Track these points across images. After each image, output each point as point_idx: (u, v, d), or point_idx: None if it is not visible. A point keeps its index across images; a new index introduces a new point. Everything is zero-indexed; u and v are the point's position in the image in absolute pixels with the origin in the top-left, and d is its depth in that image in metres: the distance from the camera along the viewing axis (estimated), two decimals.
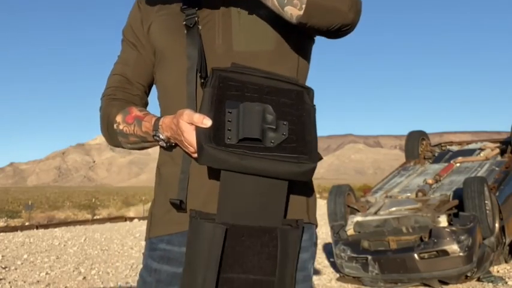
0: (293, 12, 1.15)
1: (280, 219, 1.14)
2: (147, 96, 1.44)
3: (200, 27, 1.26)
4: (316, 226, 1.33)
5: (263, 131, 1.09)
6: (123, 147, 1.38)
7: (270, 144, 1.09)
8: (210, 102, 1.14)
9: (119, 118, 1.32)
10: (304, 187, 1.27)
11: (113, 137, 1.36)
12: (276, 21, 1.23)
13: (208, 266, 1.09)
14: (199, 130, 1.11)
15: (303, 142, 1.12)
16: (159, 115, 1.33)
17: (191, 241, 1.12)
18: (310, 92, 1.22)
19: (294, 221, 1.17)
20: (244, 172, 1.09)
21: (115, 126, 1.33)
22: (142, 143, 1.32)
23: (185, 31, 1.26)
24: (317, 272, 6.75)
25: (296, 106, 1.17)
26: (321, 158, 1.29)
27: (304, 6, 1.14)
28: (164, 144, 1.27)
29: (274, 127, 1.10)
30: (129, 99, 1.38)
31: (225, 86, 1.16)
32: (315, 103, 1.23)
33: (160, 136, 1.24)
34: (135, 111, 1.31)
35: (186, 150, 1.21)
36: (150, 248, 1.29)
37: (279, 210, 1.14)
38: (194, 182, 1.24)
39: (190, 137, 1.14)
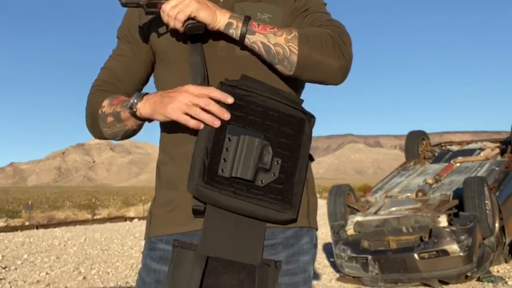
0: (283, 71, 1.22)
1: (258, 257, 1.17)
2: None
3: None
4: (317, 229, 1.33)
5: (256, 171, 1.12)
6: (103, 137, 1.34)
7: (259, 183, 1.13)
8: None
9: (105, 102, 1.30)
10: (305, 192, 1.26)
11: (95, 126, 1.32)
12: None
13: None
14: (199, 147, 1.12)
15: (290, 185, 1.16)
16: None
17: (172, 269, 1.15)
18: (311, 120, 1.23)
19: (272, 261, 1.18)
20: (228, 210, 1.14)
21: (100, 111, 1.30)
22: (117, 124, 1.27)
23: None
24: (317, 272, 6.75)
25: (294, 137, 1.18)
26: (312, 160, 1.29)
27: (293, 69, 1.20)
28: (128, 110, 1.21)
29: (268, 168, 1.13)
30: (116, 94, 1.35)
31: (230, 105, 1.16)
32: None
33: (133, 100, 1.20)
34: (124, 97, 1.29)
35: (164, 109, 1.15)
36: (150, 248, 1.28)
37: (257, 248, 1.17)
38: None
39: (181, 98, 1.12)
